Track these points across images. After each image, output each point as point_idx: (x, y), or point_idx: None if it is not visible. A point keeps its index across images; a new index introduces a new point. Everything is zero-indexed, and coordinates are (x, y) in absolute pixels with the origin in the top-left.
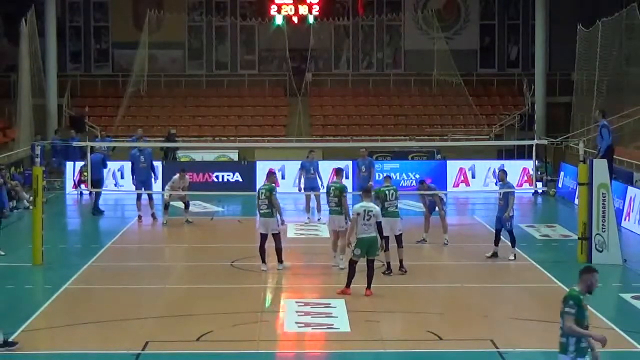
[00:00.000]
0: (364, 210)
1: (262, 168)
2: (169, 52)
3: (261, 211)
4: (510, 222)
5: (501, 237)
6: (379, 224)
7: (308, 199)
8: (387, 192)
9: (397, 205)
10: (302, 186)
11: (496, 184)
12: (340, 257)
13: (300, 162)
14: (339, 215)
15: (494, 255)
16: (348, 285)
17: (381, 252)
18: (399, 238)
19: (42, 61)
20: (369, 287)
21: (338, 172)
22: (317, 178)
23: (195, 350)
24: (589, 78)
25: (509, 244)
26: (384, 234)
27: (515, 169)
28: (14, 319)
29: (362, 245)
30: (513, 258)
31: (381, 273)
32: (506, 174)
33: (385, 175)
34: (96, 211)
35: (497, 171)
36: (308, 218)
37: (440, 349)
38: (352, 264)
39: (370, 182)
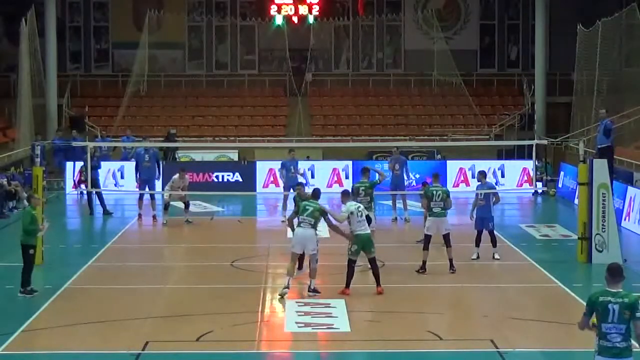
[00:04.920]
0: (355, 208)
1: (262, 168)
2: (169, 52)
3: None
4: (492, 222)
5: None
6: (368, 218)
7: (286, 198)
8: (434, 192)
9: (443, 206)
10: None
11: (478, 186)
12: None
13: (281, 162)
14: (371, 212)
15: (478, 257)
16: (347, 285)
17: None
18: (446, 237)
19: (42, 61)
20: (378, 284)
21: (364, 170)
22: (297, 176)
23: (195, 350)
24: (589, 78)
25: (491, 244)
26: (429, 233)
27: (515, 169)
28: (14, 319)
29: (357, 242)
30: (498, 257)
31: (415, 271)
32: (485, 175)
33: (433, 173)
34: (106, 212)
35: (480, 172)
36: (284, 216)
37: (440, 349)
38: (351, 263)
39: (408, 181)
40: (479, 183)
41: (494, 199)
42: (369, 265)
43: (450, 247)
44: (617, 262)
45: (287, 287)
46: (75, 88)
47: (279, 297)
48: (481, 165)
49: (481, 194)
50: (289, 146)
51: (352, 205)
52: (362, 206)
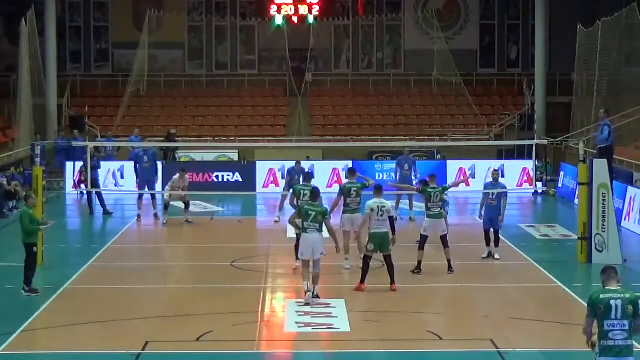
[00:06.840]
0: (377, 206)
1: (262, 168)
2: (169, 52)
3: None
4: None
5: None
6: (391, 219)
7: (284, 198)
8: (432, 193)
9: (441, 207)
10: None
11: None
12: (345, 257)
13: (287, 169)
14: (359, 214)
15: (489, 255)
16: (362, 280)
17: (392, 247)
18: (444, 239)
19: (42, 61)
20: (393, 282)
21: (352, 172)
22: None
23: (195, 350)
24: (589, 78)
25: (493, 244)
26: (425, 234)
27: (515, 169)
28: (14, 319)
29: (374, 240)
30: (498, 257)
31: (410, 272)
32: (500, 174)
33: (430, 174)
34: (106, 212)
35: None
36: (277, 216)
37: (440, 349)
38: (366, 259)
39: (416, 181)
40: (491, 181)
41: (504, 200)
42: (382, 263)
43: (448, 248)
44: (612, 264)
45: (309, 291)
46: (75, 88)
47: (305, 304)
48: (481, 165)
49: (493, 193)
50: (289, 146)
51: (374, 202)
52: (387, 205)
